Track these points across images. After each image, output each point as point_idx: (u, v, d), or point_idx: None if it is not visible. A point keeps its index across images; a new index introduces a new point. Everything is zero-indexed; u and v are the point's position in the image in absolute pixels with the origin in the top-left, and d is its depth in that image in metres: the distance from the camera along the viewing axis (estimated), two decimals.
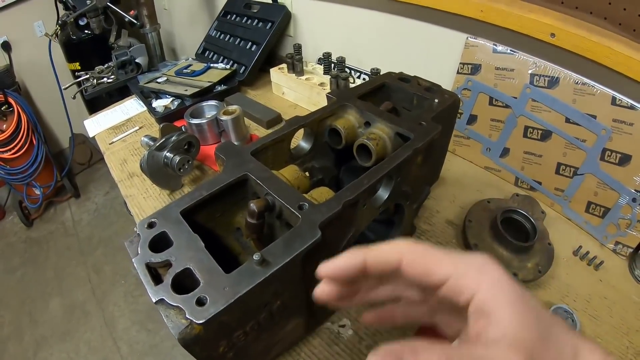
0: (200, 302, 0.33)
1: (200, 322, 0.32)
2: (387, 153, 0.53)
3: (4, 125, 2.03)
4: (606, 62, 0.63)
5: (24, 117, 2.09)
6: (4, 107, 2.04)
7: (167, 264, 0.39)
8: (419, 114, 0.56)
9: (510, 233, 0.64)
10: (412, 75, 0.69)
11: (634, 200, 0.67)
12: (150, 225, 0.43)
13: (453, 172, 0.89)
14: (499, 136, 0.84)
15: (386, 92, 0.66)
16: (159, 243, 0.41)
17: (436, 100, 0.58)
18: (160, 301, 0.35)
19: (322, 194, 0.44)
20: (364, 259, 0.26)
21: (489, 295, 0.24)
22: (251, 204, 0.42)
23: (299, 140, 0.59)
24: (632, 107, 0.64)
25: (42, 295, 1.94)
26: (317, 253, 0.40)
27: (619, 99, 0.65)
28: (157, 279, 0.38)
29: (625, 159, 0.67)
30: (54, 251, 2.17)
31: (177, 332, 0.33)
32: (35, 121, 2.17)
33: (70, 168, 2.46)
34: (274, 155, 0.53)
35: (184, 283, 0.37)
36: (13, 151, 2.06)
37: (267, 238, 0.46)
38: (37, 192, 2.27)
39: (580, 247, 0.71)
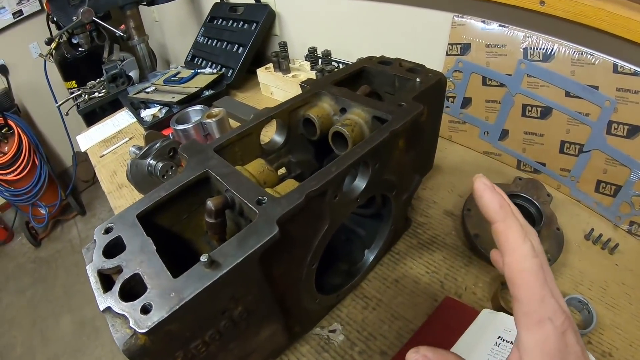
0: (145, 310, 0.29)
1: (143, 331, 0.28)
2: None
3: (6, 148, 2.05)
4: (603, 26, 0.58)
5: (24, 139, 2.10)
6: (4, 129, 2.06)
7: (119, 270, 0.35)
8: (400, 95, 0.52)
9: None
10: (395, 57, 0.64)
11: None
12: (107, 231, 0.39)
13: (450, 160, 0.84)
14: (497, 118, 0.79)
15: (366, 77, 0.61)
16: (114, 249, 0.37)
17: (418, 80, 0.53)
18: (107, 309, 0.31)
19: (287, 187, 0.40)
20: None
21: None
22: (208, 202, 0.38)
23: (273, 134, 0.55)
24: (635, 74, 0.59)
25: (52, 314, 1.94)
26: (281, 250, 0.36)
27: (621, 66, 0.60)
28: (109, 287, 0.35)
29: (633, 131, 0.61)
30: (63, 269, 2.17)
31: (121, 343, 0.30)
32: (37, 142, 2.19)
33: (74, 186, 2.47)
34: (243, 151, 0.49)
35: (135, 290, 0.33)
36: (16, 173, 2.08)
37: None
38: (43, 211, 2.28)
39: (592, 230, 0.65)
